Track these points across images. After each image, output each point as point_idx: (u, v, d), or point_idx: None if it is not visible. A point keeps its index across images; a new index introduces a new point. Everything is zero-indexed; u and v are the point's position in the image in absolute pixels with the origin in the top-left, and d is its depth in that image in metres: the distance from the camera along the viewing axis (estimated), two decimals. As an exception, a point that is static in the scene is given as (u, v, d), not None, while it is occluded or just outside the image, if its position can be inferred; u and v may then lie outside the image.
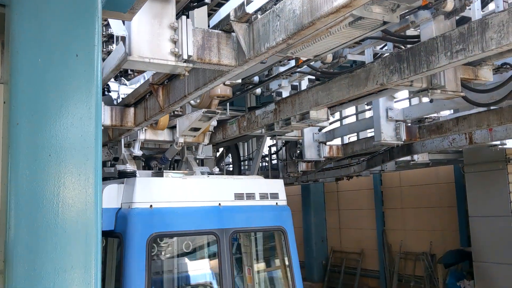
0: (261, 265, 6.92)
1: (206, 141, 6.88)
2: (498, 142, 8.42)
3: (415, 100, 8.59)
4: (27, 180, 1.75)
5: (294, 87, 7.03)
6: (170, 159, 7.21)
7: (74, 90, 1.90)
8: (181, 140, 6.37)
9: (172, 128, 6.57)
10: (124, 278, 5.14)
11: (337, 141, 11.72)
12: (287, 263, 6.24)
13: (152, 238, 5.29)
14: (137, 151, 6.47)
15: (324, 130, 10.07)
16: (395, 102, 7.84)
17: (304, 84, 6.85)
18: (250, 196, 6.03)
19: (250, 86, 6.83)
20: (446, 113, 8.45)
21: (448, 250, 12.59)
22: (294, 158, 12.37)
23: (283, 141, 13.03)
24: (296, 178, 15.43)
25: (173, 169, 7.61)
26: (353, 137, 13.67)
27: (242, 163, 15.16)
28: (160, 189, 5.54)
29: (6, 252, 1.69)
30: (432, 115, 7.70)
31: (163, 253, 6.33)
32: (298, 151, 12.10)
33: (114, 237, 5.45)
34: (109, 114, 5.72)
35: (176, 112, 6.58)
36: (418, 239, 15.10)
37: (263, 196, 6.15)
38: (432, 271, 14.11)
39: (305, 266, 19.20)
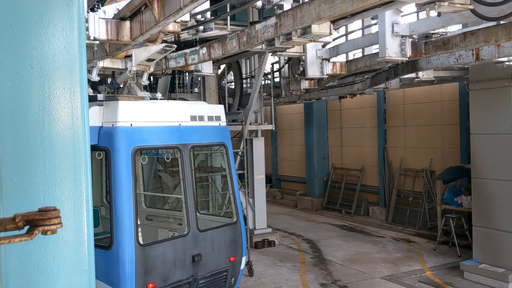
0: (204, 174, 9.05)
1: (152, 69, 7.73)
2: (505, 59, 8.21)
3: (422, 15, 8.26)
4: (9, 93, 1.70)
5: (296, 0, 6.73)
6: (121, 85, 8.02)
7: (54, -3, 1.79)
8: (135, 68, 7.19)
9: (125, 57, 7.46)
10: (114, 182, 6.12)
11: (341, 58, 11.47)
12: (227, 170, 7.89)
13: (134, 150, 6.37)
14: (95, 77, 7.34)
15: (327, 46, 9.81)
16: (402, 16, 7.54)
17: (307, -3, 6.54)
18: (201, 118, 7.28)
19: (251, -1, 6.55)
20: (454, 29, 8.16)
21: (448, 167, 12.78)
22: (296, 75, 12.19)
23: (286, 58, 12.77)
24: (299, 96, 15.33)
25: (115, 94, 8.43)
26: (358, 54, 13.39)
27: (244, 80, 15.02)
28: (138, 110, 6.53)
29: (-5, 165, 1.68)
30: (439, 30, 7.43)
31: (141, 162, 8.00)
32: (301, 69, 11.88)
33: (99, 150, 6.45)
34: (105, 28, 5.54)
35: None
36: (419, 156, 15.30)
37: (210, 118, 7.42)
38: (431, 187, 14.44)
39: (306, 182, 19.69)
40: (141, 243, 6.26)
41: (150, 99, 7.50)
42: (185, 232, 6.81)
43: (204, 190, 9.07)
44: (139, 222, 6.61)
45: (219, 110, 7.67)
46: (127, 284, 5.97)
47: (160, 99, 7.52)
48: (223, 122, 7.64)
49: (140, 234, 6.46)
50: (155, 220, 8.59)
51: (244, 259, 7.68)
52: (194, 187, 7.26)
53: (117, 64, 7.43)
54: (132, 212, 6.12)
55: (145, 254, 6.19)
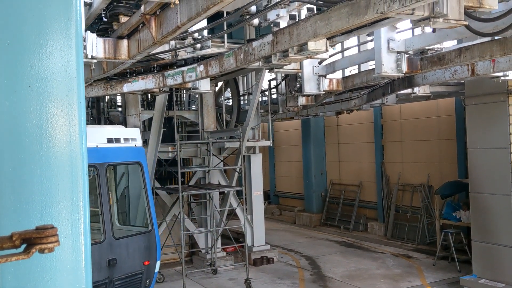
0: (122, 190, 9.94)
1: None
2: (500, 74, 8.26)
3: (418, 31, 8.34)
4: (7, 111, 1.70)
5: (293, 17, 6.79)
6: None
7: (52, 17, 1.80)
8: None
9: None
10: None
11: (337, 74, 11.54)
12: (142, 185, 8.66)
13: None
14: None
15: (324, 63, 9.87)
16: (397, 32, 7.61)
17: (304, 14, 6.61)
18: (117, 140, 8.15)
19: (247, 17, 6.60)
20: (449, 45, 8.23)
21: (446, 182, 12.77)
22: (293, 92, 12.25)
23: (283, 75, 12.84)
24: (296, 113, 15.38)
25: None
26: (354, 70, 13.47)
27: (241, 97, 15.07)
28: None
29: (-8, 184, 1.67)
30: (435, 46, 7.50)
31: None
32: (298, 85, 11.95)
33: None
34: (102, 46, 5.57)
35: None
36: (416, 171, 15.30)
37: (126, 140, 8.30)
38: (429, 202, 14.41)
39: (305, 198, 19.64)
40: None
41: None
42: (102, 240, 7.69)
43: (121, 203, 10.02)
44: None
45: (135, 132, 8.66)
46: None
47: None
48: (139, 143, 8.58)
49: None
50: None
51: (158, 263, 8.53)
52: (110, 201, 8.07)
53: None
54: None
55: None
